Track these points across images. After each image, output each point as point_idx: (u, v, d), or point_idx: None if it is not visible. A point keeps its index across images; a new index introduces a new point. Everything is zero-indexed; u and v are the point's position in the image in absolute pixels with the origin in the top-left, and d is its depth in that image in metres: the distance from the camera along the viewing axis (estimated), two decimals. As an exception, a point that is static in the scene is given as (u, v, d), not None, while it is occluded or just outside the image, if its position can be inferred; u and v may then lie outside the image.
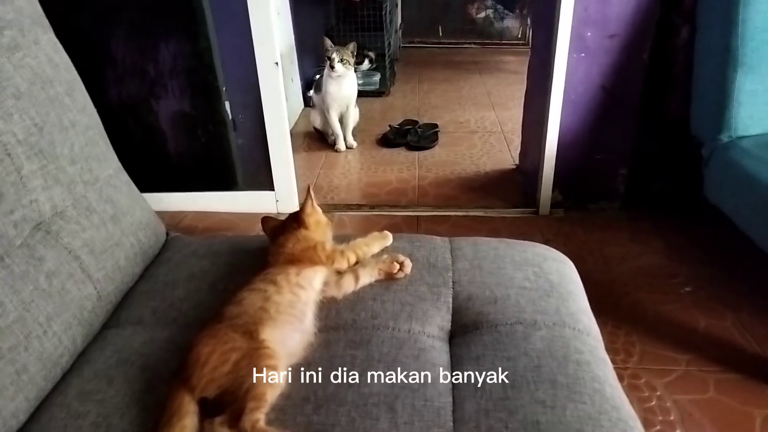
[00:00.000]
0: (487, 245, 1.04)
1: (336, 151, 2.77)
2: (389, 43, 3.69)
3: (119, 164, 1.07)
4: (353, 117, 2.82)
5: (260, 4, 1.85)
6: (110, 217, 0.96)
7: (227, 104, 2.04)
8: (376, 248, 1.00)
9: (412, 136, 2.81)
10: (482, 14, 4.98)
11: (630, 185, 2.10)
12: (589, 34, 1.87)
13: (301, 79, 3.35)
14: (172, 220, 2.15)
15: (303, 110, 3.29)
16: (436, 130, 2.91)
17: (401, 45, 4.65)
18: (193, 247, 1.09)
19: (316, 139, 2.92)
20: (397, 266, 0.95)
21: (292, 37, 3.19)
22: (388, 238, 1.02)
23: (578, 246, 1.91)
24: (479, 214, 2.12)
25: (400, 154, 2.71)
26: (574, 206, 2.12)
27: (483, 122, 3.08)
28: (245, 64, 1.97)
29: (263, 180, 2.15)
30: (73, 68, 1.00)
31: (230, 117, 2.06)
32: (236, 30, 1.94)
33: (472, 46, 4.85)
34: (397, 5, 4.52)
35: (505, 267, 0.97)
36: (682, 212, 2.02)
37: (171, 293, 0.95)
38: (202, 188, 2.17)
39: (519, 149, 2.51)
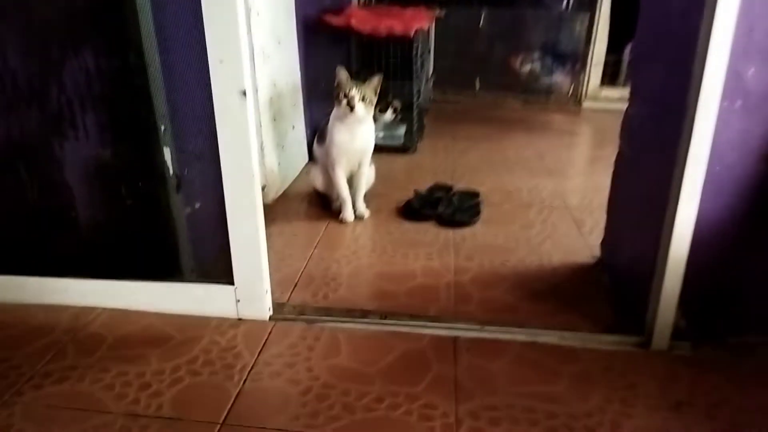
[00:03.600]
0: None
1: (341, 221, 2.03)
2: (418, 91, 3.02)
3: None
4: (366, 177, 2.09)
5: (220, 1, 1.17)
6: None
7: (167, 151, 1.33)
8: None
9: (444, 206, 2.07)
10: (527, 67, 4.35)
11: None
12: (751, 71, 1.14)
13: (307, 128, 2.66)
14: (77, 321, 1.40)
15: (305, 165, 2.59)
16: (478, 200, 2.16)
17: (432, 98, 4.01)
18: None
19: (315, 203, 2.20)
20: None
21: (299, 75, 2.53)
22: None
23: (737, 421, 1.10)
24: (554, 341, 1.33)
25: (429, 232, 1.95)
26: (705, 337, 1.33)
27: (539, 192, 2.33)
28: (199, 93, 1.26)
29: (218, 267, 1.39)
30: None
31: (171, 171, 1.34)
32: (187, 40, 1.25)
33: (514, 102, 4.20)
34: (429, 51, 3.90)
35: None
36: None
37: None
38: (125, 275, 1.43)
39: (601, 236, 1.74)
